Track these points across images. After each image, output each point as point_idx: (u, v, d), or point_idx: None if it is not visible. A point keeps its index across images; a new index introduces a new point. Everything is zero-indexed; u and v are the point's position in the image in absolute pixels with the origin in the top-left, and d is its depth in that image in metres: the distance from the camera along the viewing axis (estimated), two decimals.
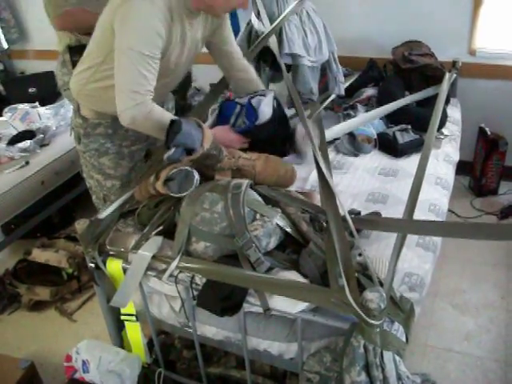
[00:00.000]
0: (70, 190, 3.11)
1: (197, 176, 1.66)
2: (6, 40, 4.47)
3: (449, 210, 2.64)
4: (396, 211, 1.83)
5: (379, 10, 3.18)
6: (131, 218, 1.79)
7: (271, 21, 2.36)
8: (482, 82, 3.15)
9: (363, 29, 3.27)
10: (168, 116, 1.69)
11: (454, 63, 2.99)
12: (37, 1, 4.33)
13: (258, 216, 1.49)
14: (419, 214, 1.81)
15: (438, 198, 2.09)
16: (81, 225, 1.67)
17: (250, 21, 2.50)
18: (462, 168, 2.79)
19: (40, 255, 2.71)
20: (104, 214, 1.75)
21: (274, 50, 2.23)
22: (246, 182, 1.56)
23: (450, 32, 3.09)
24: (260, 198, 1.57)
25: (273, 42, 2.28)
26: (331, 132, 2.36)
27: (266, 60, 2.47)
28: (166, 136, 1.61)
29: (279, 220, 1.50)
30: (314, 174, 1.91)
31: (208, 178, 1.75)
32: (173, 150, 1.61)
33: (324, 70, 2.55)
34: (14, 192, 2.69)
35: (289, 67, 2.40)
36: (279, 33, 2.31)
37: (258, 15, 2.40)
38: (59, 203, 3.07)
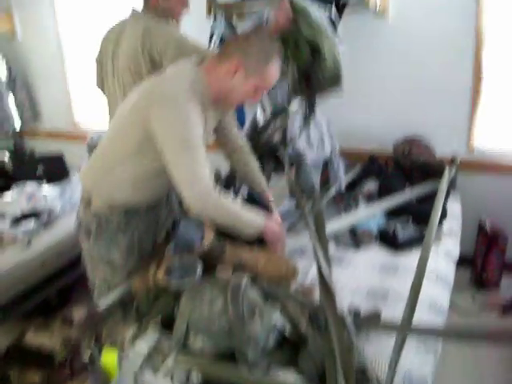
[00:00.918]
0: (69, 271, 3.09)
1: (200, 267, 1.67)
2: (20, 119, 4.63)
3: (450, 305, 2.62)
4: (397, 308, 1.82)
5: (381, 107, 3.32)
6: (130, 309, 1.78)
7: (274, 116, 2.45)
8: (480, 177, 3.23)
9: (365, 123, 3.39)
10: (237, 205, 1.75)
11: (452, 160, 3.07)
12: (51, 84, 4.60)
13: (257, 313, 1.48)
14: (419, 313, 1.78)
15: (438, 294, 2.08)
16: (78, 313, 1.66)
17: (256, 115, 2.60)
18: (463, 261, 2.79)
19: (34, 339, 2.65)
20: (103, 303, 1.75)
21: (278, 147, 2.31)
22: (245, 278, 1.56)
23: (449, 129, 3.20)
24: (259, 295, 1.56)
25: (277, 137, 2.36)
26: (332, 226, 2.39)
27: (269, 154, 2.54)
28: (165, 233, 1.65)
29: (278, 319, 1.49)
30: (315, 269, 1.91)
31: (210, 267, 1.76)
32: (172, 244, 1.66)
33: (326, 164, 2.61)
34: (14, 272, 2.69)
35: (292, 162, 2.48)
36: (283, 129, 2.40)
37: (264, 110, 2.51)
38: (58, 285, 3.04)
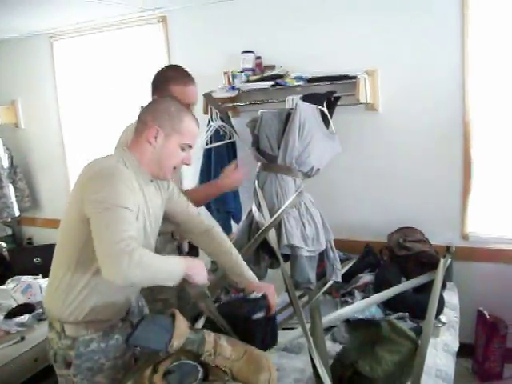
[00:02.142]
0: None
1: (201, 371, 1.62)
2: (19, 208, 4.69)
3: None
4: None
5: (374, 198, 3.39)
6: None
7: (271, 213, 2.50)
8: (476, 265, 3.22)
9: (359, 215, 3.45)
10: (157, 256, 1.61)
11: (447, 248, 3.10)
12: (51, 172, 4.70)
13: None
14: None
15: None
16: None
17: (251, 211, 2.65)
18: (463, 351, 2.75)
19: None
20: None
21: (273, 244, 2.34)
22: None
23: (442, 218, 3.25)
24: None
25: (272, 235, 2.40)
26: (328, 319, 2.37)
27: (264, 249, 2.57)
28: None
29: None
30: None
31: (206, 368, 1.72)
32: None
33: (322, 256, 2.63)
34: (6, 369, 2.64)
35: (287, 256, 2.50)
36: (279, 225, 2.44)
37: (259, 207, 2.56)
38: (51, 381, 2.97)
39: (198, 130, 1.81)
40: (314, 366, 1.73)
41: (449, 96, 3.09)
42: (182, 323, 1.64)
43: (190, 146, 1.78)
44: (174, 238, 2.40)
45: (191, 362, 1.65)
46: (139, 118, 1.78)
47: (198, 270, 1.70)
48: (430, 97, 3.14)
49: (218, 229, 2.06)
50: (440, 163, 3.19)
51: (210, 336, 1.68)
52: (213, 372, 1.70)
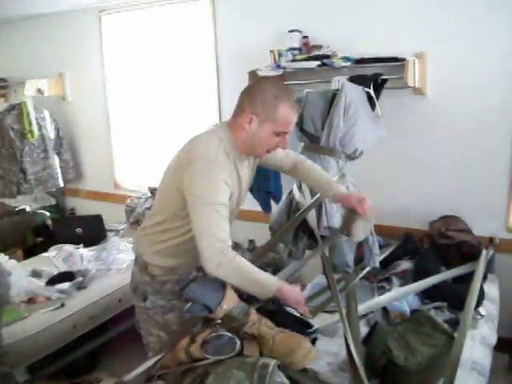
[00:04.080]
0: (100, 334, 3.10)
1: (238, 343, 1.66)
2: (63, 179, 4.80)
3: None
4: None
5: (418, 185, 3.31)
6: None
7: (312, 194, 2.48)
8: None
9: (400, 201, 3.38)
10: (251, 266, 1.75)
11: (491, 239, 3.01)
12: (95, 145, 4.79)
13: None
14: None
15: None
16: None
17: (292, 191, 2.63)
18: (501, 346, 2.68)
19: None
20: (129, 376, 1.74)
21: (312, 225, 2.31)
22: (273, 362, 1.54)
23: (487, 208, 3.14)
24: (287, 381, 1.53)
25: (311, 216, 2.37)
26: (365, 307, 2.35)
27: (304, 230, 2.55)
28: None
29: None
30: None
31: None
32: (189, 304, 1.71)
33: (360, 241, 2.59)
34: (46, 334, 2.70)
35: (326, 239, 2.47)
36: (319, 206, 2.41)
37: (300, 188, 2.54)
38: (87, 347, 3.04)
39: (294, 116, 1.82)
40: (348, 351, 1.71)
41: (502, 82, 2.97)
42: (231, 291, 1.75)
43: (286, 133, 1.81)
44: None
45: (229, 334, 1.67)
46: (238, 99, 1.84)
47: (292, 297, 1.78)
48: (480, 82, 3.02)
49: (305, 162, 2.16)
50: (487, 151, 3.08)
51: (253, 310, 1.79)
52: (247, 348, 1.72)
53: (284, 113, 1.75)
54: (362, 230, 2.04)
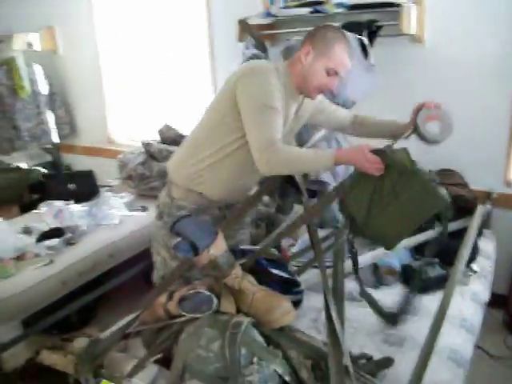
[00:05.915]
0: (91, 290, 3.09)
1: (215, 301, 1.64)
2: (58, 135, 4.74)
3: (479, 347, 2.47)
4: (413, 356, 1.68)
5: (413, 136, 3.20)
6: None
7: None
8: None
9: None
10: (299, 149, 1.94)
11: (488, 194, 2.93)
12: (88, 99, 4.70)
13: (255, 359, 1.42)
14: (436, 363, 1.69)
15: (460, 343, 1.94)
16: (79, 343, 1.65)
17: None
18: (495, 302, 2.65)
19: (48, 358, 2.64)
20: (106, 333, 1.73)
21: (298, 177, 2.22)
22: (246, 320, 1.50)
23: (485, 162, 3.06)
24: (261, 339, 1.50)
25: None
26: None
27: (293, 184, 2.47)
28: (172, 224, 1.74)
29: (278, 366, 1.42)
30: None
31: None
32: (178, 239, 1.69)
33: None
34: (35, 290, 2.69)
35: (315, 192, 2.40)
36: None
37: None
38: (79, 303, 3.03)
39: (347, 60, 1.94)
40: (327, 308, 1.67)
41: (505, 28, 2.82)
42: (222, 240, 1.73)
43: (337, 73, 1.92)
44: None
45: (206, 292, 1.64)
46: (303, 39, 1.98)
47: (355, 157, 1.80)
48: (483, 29, 2.88)
49: (358, 116, 2.27)
50: (487, 103, 2.97)
51: (238, 265, 1.77)
52: (224, 305, 1.68)
53: (339, 52, 1.90)
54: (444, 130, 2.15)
